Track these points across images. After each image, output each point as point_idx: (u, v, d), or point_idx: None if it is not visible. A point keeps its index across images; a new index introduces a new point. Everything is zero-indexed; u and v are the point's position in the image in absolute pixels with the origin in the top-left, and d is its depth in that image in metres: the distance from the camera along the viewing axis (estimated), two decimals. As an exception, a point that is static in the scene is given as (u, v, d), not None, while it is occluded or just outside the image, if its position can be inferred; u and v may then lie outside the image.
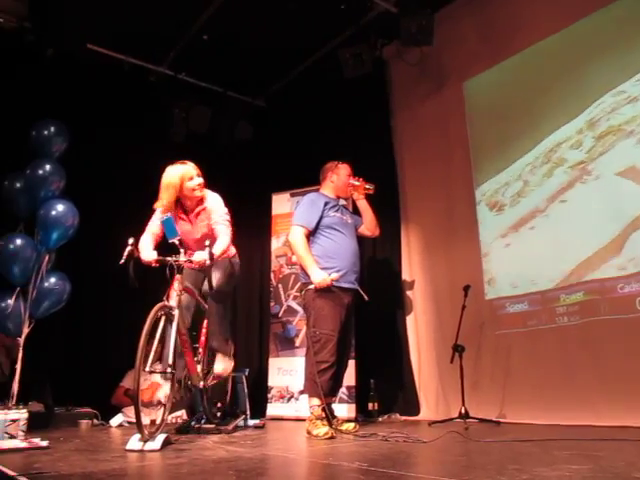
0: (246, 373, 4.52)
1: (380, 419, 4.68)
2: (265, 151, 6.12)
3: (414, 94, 5.50)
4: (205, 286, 3.68)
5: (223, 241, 3.50)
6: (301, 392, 4.84)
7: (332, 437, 3.30)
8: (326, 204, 3.92)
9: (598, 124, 4.07)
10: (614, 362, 3.69)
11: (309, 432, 3.42)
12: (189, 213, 3.69)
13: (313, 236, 3.85)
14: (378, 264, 5.27)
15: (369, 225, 4.19)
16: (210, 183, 3.77)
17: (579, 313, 3.98)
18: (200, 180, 3.61)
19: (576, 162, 4.17)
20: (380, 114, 5.64)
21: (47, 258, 4.20)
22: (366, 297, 3.89)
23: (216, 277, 3.62)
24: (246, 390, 4.44)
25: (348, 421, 3.99)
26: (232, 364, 3.87)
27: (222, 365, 3.75)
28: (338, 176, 4.07)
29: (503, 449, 2.69)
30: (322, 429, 3.35)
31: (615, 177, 3.90)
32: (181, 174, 3.55)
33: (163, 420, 3.16)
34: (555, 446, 2.68)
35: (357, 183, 4.11)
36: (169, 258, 3.27)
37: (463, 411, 3.96)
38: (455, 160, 5.02)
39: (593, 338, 3.85)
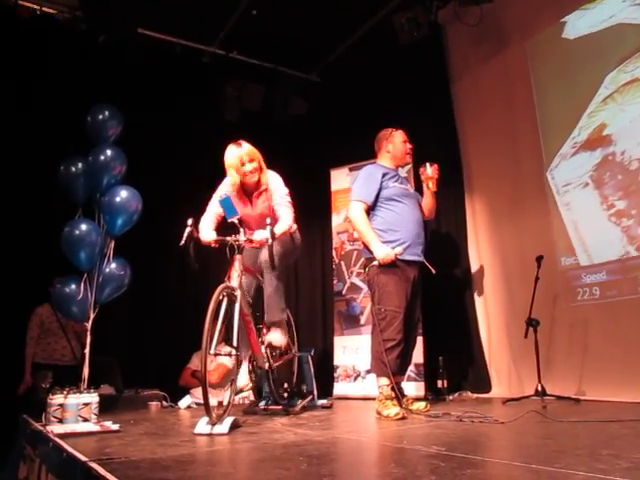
0: (312, 352, 4.45)
1: (450, 397, 4.53)
2: (321, 126, 5.97)
3: (473, 58, 5.22)
4: (264, 257, 3.56)
5: (285, 222, 3.42)
6: (368, 371, 4.73)
7: (403, 418, 3.18)
8: (384, 175, 3.73)
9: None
10: None
11: (379, 412, 3.31)
12: (250, 194, 3.61)
13: (374, 209, 3.68)
14: (443, 236, 5.08)
15: (427, 208, 3.96)
16: (267, 161, 3.67)
17: (664, 282, 3.69)
18: (253, 165, 3.48)
19: None
20: (439, 81, 5.40)
21: (112, 244, 4.23)
22: (433, 270, 3.73)
23: (277, 251, 3.52)
24: (312, 370, 4.37)
25: (418, 400, 3.84)
26: (286, 338, 3.70)
27: (274, 335, 3.60)
28: (393, 144, 3.86)
29: (591, 431, 2.50)
30: (393, 409, 3.23)
31: None
32: (234, 160, 3.46)
33: (230, 402, 3.12)
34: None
35: (422, 177, 3.91)
36: (229, 238, 3.21)
37: (540, 388, 3.76)
38: (521, 128, 4.74)
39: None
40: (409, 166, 4.55)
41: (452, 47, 5.46)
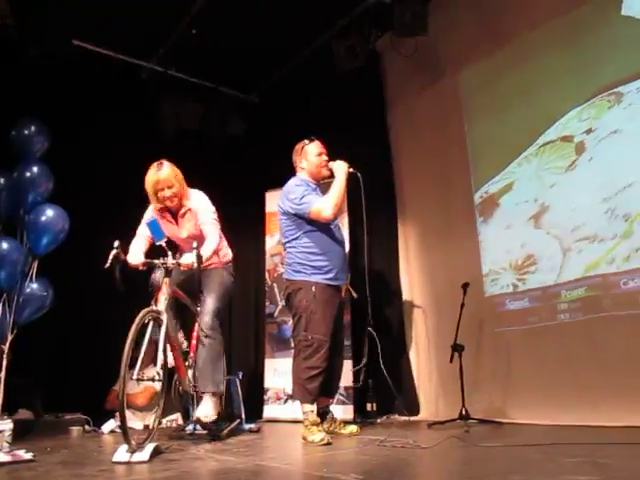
0: (240, 376, 4.42)
1: (379, 420, 4.57)
2: (259, 147, 5.99)
3: (409, 87, 5.38)
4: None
5: (211, 242, 3.41)
6: (290, 397, 4.69)
7: (328, 443, 3.17)
8: (314, 191, 3.61)
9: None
10: (618, 359, 3.58)
11: (305, 438, 3.30)
12: (175, 214, 3.59)
13: (300, 230, 3.53)
14: (375, 261, 5.15)
15: None
16: (202, 180, 3.65)
17: (581, 310, 3.87)
18: (171, 191, 3.45)
19: (579, 147, 4.07)
20: (375, 108, 5.52)
21: (36, 263, 4.08)
22: (355, 294, 3.77)
23: (211, 298, 3.55)
24: (240, 393, 4.33)
25: (348, 423, 3.87)
26: (217, 410, 3.58)
27: (204, 408, 3.52)
28: (307, 160, 3.67)
29: (506, 455, 2.58)
30: (318, 435, 3.23)
31: (621, 159, 3.79)
32: (152, 186, 3.45)
33: (154, 427, 3.05)
34: (560, 451, 2.56)
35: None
36: (157, 261, 3.16)
37: (463, 412, 3.85)
38: (452, 154, 4.90)
39: (596, 335, 3.74)
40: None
41: (389, 75, 5.61)
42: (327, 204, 3.44)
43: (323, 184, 3.77)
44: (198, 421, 3.54)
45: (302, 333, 3.41)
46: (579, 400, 3.68)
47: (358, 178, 3.63)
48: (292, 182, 3.65)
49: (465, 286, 4.14)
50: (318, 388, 3.39)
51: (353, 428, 3.65)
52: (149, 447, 2.78)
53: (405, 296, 5.11)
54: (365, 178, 4.03)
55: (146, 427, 4.00)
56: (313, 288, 3.43)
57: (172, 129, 5.67)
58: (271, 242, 5.48)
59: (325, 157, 3.69)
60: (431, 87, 5.17)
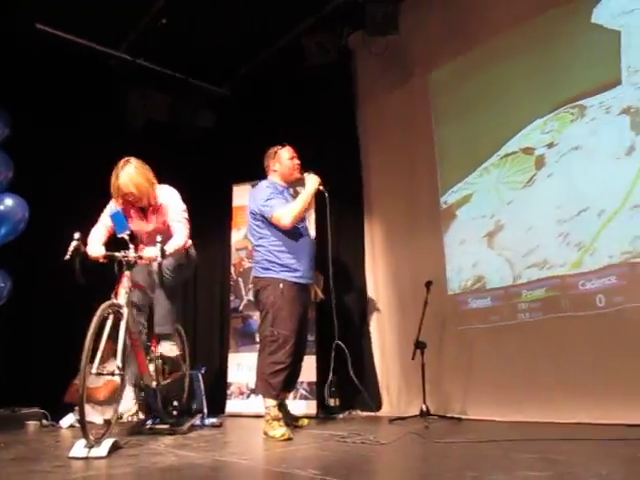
0: (202, 371, 4.39)
1: (341, 416, 4.61)
2: (227, 140, 5.94)
3: (380, 84, 5.39)
4: (154, 274, 3.53)
5: (178, 239, 3.37)
6: (253, 391, 4.68)
7: (289, 438, 3.19)
8: (281, 193, 3.71)
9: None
10: (575, 359, 3.66)
11: (266, 433, 3.31)
12: (145, 209, 3.53)
13: (269, 229, 3.61)
14: (341, 258, 5.17)
15: None
16: (169, 172, 3.60)
17: (541, 309, 3.95)
18: (134, 195, 3.37)
19: (539, 161, 4.14)
20: (345, 104, 5.52)
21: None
22: (321, 296, 3.85)
23: (170, 266, 3.48)
24: (203, 388, 4.30)
25: (304, 417, 3.97)
26: (177, 349, 3.70)
27: (165, 346, 3.62)
28: (280, 163, 3.80)
29: (462, 451, 2.62)
30: (279, 430, 3.25)
31: (580, 178, 3.87)
32: (114, 190, 3.36)
33: (112, 422, 3.01)
34: (515, 448, 2.62)
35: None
36: (118, 254, 3.11)
37: (424, 408, 3.91)
38: (421, 154, 4.94)
39: (554, 335, 3.83)
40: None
41: (360, 72, 5.61)
42: (288, 213, 3.55)
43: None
44: (161, 357, 3.62)
45: (269, 329, 3.46)
46: (537, 398, 3.77)
47: (325, 197, 3.76)
48: (262, 184, 3.76)
49: (428, 284, 4.19)
50: (282, 383, 3.43)
51: (304, 421, 3.80)
52: (107, 442, 2.74)
53: (370, 294, 5.14)
54: (333, 175, 4.07)
55: (106, 422, 3.92)
56: (281, 285, 3.50)
57: (140, 120, 5.58)
58: (237, 236, 5.44)
59: (297, 161, 3.85)
60: (401, 86, 5.20)
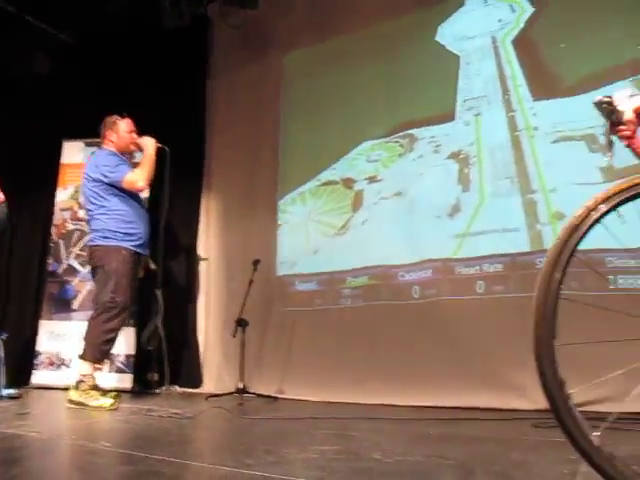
0: (3, 336, 4.01)
1: (158, 391, 4.47)
2: (62, 92, 5.44)
3: (234, 60, 5.27)
4: None
5: None
6: (81, 357, 4.37)
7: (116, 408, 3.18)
8: (125, 162, 3.69)
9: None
10: (387, 345, 3.88)
11: (82, 403, 3.19)
12: None
13: (111, 198, 3.54)
14: (174, 229, 5.01)
15: None
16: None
17: (362, 296, 4.14)
18: None
19: (358, 199, 4.31)
20: (197, 74, 5.33)
21: None
22: (153, 266, 3.78)
23: None
24: (3, 356, 3.93)
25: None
26: None
27: None
28: (118, 135, 3.71)
29: (265, 427, 2.66)
30: (104, 400, 3.20)
31: (393, 233, 4.07)
32: None
33: None
34: (317, 425, 2.71)
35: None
36: None
37: (241, 386, 3.93)
38: (265, 138, 4.89)
39: (371, 321, 4.03)
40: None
41: (216, 43, 5.46)
42: (140, 175, 3.57)
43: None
44: None
45: (109, 295, 3.40)
46: (351, 380, 3.92)
47: (166, 152, 3.80)
48: (104, 152, 3.70)
49: (255, 263, 4.20)
50: (109, 351, 3.47)
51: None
52: None
53: (201, 270, 5.05)
54: (174, 146, 3.91)
55: None
56: (124, 252, 3.50)
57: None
58: (63, 196, 5.03)
59: (135, 135, 3.78)
60: (255, 65, 5.11)
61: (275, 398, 4.04)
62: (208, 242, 5.07)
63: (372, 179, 4.27)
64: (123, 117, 3.76)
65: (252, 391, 4.05)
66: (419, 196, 4.03)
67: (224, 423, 2.80)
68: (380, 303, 4.05)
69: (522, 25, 3.93)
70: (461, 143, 3.95)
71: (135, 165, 3.74)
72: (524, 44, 3.88)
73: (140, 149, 3.76)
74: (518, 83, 3.85)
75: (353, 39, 4.55)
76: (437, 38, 4.23)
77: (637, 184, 1.17)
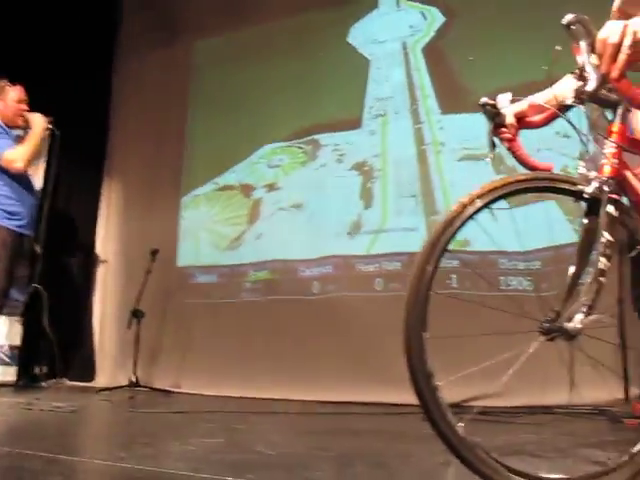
0: None
1: (45, 384, 4.24)
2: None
3: (144, 40, 5.06)
4: None
5: None
6: None
7: None
8: (8, 135, 3.34)
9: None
10: (285, 340, 3.86)
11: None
12: None
13: None
14: (71, 213, 4.76)
15: None
16: None
17: (262, 291, 4.12)
18: None
19: (255, 209, 4.26)
20: (104, 50, 5.07)
21: None
22: (38, 249, 3.52)
23: None
24: None
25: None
26: None
27: None
28: (5, 102, 3.37)
29: (150, 421, 2.59)
30: None
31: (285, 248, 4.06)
32: None
33: None
34: (206, 418, 2.67)
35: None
36: None
37: (134, 379, 3.80)
38: (171, 126, 4.75)
39: (272, 316, 3.99)
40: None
41: (126, 19, 5.22)
42: (20, 155, 3.27)
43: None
44: None
45: None
46: (248, 374, 3.87)
47: (56, 136, 3.56)
48: None
49: (154, 253, 4.09)
50: None
51: None
52: None
53: (100, 257, 4.84)
54: (77, 122, 3.70)
55: None
56: (3, 234, 3.21)
57: None
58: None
59: (25, 106, 3.46)
60: (164, 46, 4.93)
61: (170, 392, 3.93)
62: (108, 232, 4.87)
63: (272, 187, 4.20)
64: (14, 84, 3.43)
65: (146, 385, 3.92)
66: (319, 210, 3.97)
67: (107, 417, 2.71)
68: (280, 298, 4.03)
69: (433, 34, 3.98)
70: (366, 154, 3.93)
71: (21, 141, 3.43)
72: (434, 53, 3.92)
73: (28, 125, 3.44)
74: (427, 93, 3.86)
75: (267, 31, 4.45)
76: (349, 39, 4.19)
77: (510, 183, 1.21)
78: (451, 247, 1.16)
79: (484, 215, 1.19)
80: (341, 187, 3.93)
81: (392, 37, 4.10)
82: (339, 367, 3.54)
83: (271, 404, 3.41)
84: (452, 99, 3.75)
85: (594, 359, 1.32)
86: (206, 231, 4.45)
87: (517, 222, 1.50)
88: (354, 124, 4.00)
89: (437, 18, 3.99)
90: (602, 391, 2.64)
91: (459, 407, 1.21)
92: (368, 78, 4.06)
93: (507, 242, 2.83)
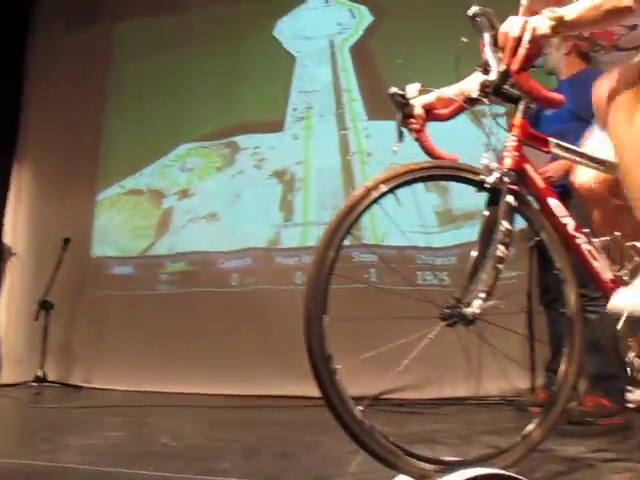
0: None
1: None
2: None
3: (59, 21, 4.81)
4: None
5: None
6: None
7: None
8: None
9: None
10: (203, 333, 3.77)
11: None
12: None
13: None
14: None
15: None
16: None
17: (180, 283, 4.02)
18: None
19: (163, 221, 4.15)
20: (16, 31, 4.78)
21: None
22: None
23: None
24: None
25: None
26: None
27: None
28: None
29: (54, 416, 2.49)
30: None
31: None
32: None
33: None
34: (114, 412, 2.60)
35: None
36: None
37: (40, 374, 3.62)
38: (88, 115, 4.53)
39: (189, 308, 3.89)
40: None
41: (39, 1, 4.93)
42: None
43: None
44: None
45: None
46: (166, 368, 3.75)
47: None
48: None
49: (66, 242, 3.92)
50: None
51: None
52: None
53: (7, 245, 4.57)
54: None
55: None
56: None
57: None
58: None
59: None
60: (81, 27, 4.68)
61: (80, 387, 3.78)
62: (17, 219, 4.61)
63: (184, 194, 4.05)
64: None
65: (56, 380, 3.74)
66: (234, 222, 3.85)
67: (6, 413, 2.55)
68: (198, 290, 3.94)
69: (361, 33, 3.93)
70: (287, 160, 3.82)
71: None
72: (362, 54, 3.85)
73: None
74: (353, 97, 3.78)
75: (190, 18, 4.31)
76: (275, 33, 4.08)
77: (414, 169, 1.22)
78: (353, 231, 1.15)
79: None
80: (259, 197, 3.80)
81: (319, 34, 4.02)
82: (257, 360, 3.50)
83: (187, 398, 3.34)
84: (379, 104, 3.52)
85: (502, 352, 1.36)
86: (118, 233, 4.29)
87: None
88: (276, 126, 3.88)
89: (366, 16, 3.95)
90: (509, 382, 2.73)
91: (373, 399, 1.22)
92: (293, 76, 3.96)
93: (424, 237, 2.91)
